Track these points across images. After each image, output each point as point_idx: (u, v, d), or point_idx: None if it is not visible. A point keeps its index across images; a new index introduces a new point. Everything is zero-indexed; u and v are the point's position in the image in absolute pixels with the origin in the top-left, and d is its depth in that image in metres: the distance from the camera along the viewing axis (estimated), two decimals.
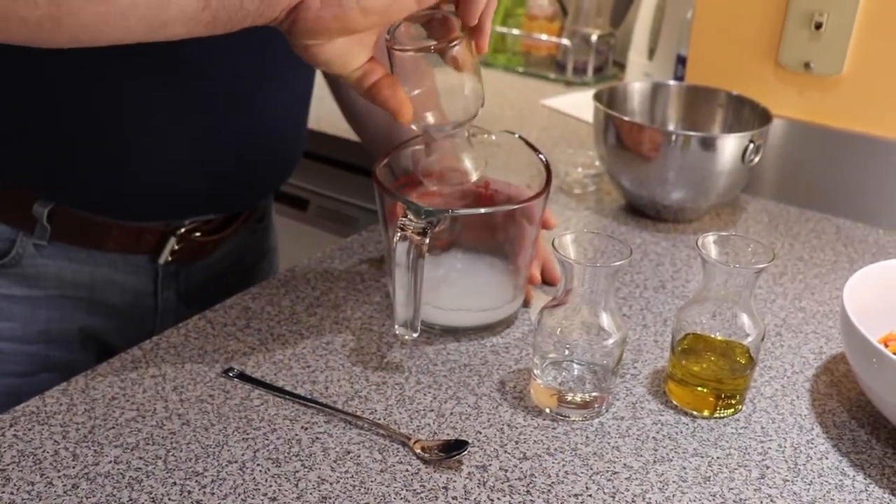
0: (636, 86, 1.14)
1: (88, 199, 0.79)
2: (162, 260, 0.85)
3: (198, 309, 0.81)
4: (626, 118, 1.01)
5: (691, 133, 0.97)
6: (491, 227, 0.80)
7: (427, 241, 0.66)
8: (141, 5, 0.52)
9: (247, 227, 0.95)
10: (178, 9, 0.53)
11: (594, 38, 1.66)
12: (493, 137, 0.80)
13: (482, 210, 0.78)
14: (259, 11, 0.55)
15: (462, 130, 0.67)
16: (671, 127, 1.12)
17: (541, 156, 0.77)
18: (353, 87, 0.62)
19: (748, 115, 1.06)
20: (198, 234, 0.86)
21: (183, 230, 0.85)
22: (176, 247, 0.85)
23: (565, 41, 1.69)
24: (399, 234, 0.66)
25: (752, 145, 0.96)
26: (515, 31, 1.77)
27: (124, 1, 0.52)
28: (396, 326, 0.70)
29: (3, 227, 0.78)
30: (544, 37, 1.74)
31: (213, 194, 0.84)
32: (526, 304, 0.82)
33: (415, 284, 0.67)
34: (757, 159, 0.97)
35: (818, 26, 1.05)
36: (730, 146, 0.96)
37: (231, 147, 0.82)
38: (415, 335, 0.70)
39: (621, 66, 1.71)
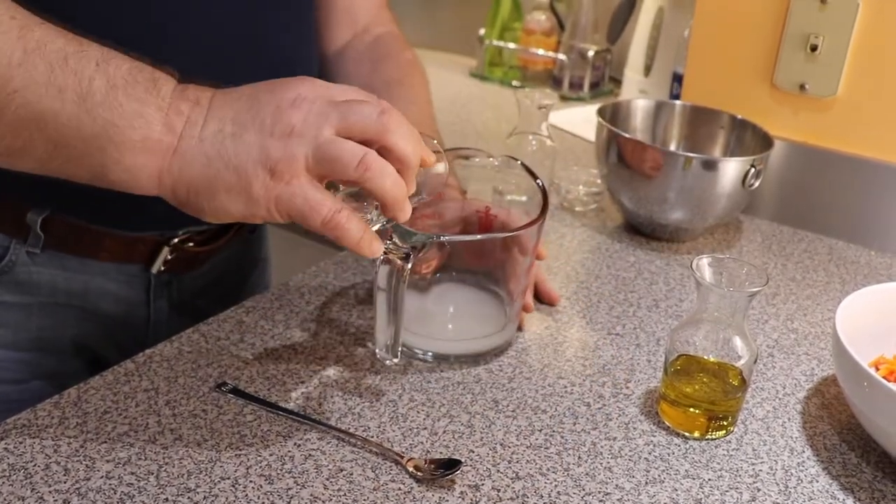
0: (639, 103, 1.14)
1: (83, 208, 0.79)
2: (155, 269, 0.85)
3: (190, 318, 0.81)
4: (629, 136, 1.01)
5: (694, 155, 0.97)
6: (484, 254, 0.79)
7: (409, 266, 0.65)
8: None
9: (240, 238, 0.95)
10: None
11: (591, 53, 1.67)
12: (496, 162, 0.80)
13: (469, 237, 0.77)
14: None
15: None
16: (672, 146, 1.12)
17: (538, 181, 0.76)
18: None
19: (749, 138, 1.06)
20: (191, 244, 0.86)
21: (176, 240, 0.85)
22: (169, 257, 0.85)
23: (562, 56, 1.70)
24: (381, 257, 0.65)
25: (753, 170, 0.96)
26: (512, 46, 1.78)
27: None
28: (377, 350, 0.69)
29: None
30: (541, 51, 1.75)
31: None
32: (519, 328, 0.82)
33: (395, 309, 0.66)
34: (757, 184, 0.97)
35: (814, 48, 1.06)
36: (731, 170, 0.96)
37: None
38: (395, 360, 0.69)
39: (617, 82, 1.72)
